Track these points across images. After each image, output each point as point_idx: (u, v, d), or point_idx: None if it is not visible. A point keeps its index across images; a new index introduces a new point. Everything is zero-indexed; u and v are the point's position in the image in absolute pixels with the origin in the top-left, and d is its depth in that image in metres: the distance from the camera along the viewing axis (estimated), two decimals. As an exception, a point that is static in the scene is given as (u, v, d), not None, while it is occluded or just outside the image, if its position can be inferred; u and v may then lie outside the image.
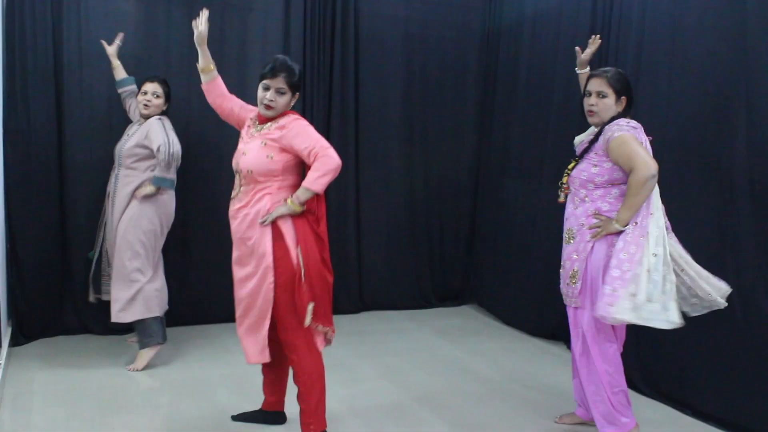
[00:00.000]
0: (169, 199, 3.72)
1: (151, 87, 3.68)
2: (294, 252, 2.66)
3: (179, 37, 4.23)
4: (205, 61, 2.95)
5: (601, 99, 2.84)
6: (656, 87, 3.56)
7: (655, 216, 2.71)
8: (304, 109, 4.65)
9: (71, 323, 4.19)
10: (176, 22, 4.27)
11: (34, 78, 3.96)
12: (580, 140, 3.06)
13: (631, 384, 3.29)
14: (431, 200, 5.23)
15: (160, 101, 3.71)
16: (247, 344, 2.78)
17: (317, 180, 2.64)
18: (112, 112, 4.10)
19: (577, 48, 3.22)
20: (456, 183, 5.29)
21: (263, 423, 3.05)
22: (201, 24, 2.88)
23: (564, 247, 2.95)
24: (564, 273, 2.95)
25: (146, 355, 3.68)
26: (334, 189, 4.70)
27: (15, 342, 3.97)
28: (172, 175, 3.63)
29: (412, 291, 5.23)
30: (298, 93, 2.85)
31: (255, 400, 3.10)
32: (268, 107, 2.75)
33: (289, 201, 2.67)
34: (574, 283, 2.87)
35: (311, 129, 2.77)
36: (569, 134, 3.34)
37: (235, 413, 3.10)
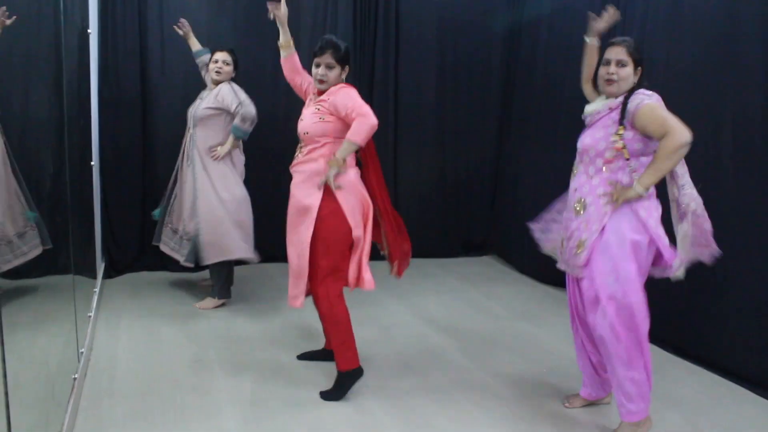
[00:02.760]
0: (240, 155, 4.22)
1: (221, 56, 4.05)
2: (335, 213, 2.98)
3: (244, 18, 4.90)
4: (285, 38, 3.17)
5: (621, 68, 2.71)
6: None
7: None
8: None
9: (151, 261, 4.97)
10: (242, 4, 4.92)
11: (123, 56, 4.68)
12: (595, 109, 2.82)
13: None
14: (459, 165, 5.82)
15: (230, 68, 4.07)
16: (289, 288, 3.12)
17: (355, 135, 2.90)
18: (187, 83, 4.77)
19: (591, 14, 3.00)
20: (481, 150, 5.87)
21: (324, 360, 3.43)
22: (282, 5, 3.10)
23: (572, 217, 2.80)
24: (571, 243, 2.79)
25: (212, 303, 4.28)
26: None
27: (107, 275, 4.78)
28: (247, 128, 4.05)
29: (441, 242, 5.85)
30: (347, 66, 3.09)
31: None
32: (321, 81, 3.03)
33: (331, 160, 2.95)
34: (580, 252, 2.73)
35: (355, 94, 2.99)
36: (582, 105, 3.36)
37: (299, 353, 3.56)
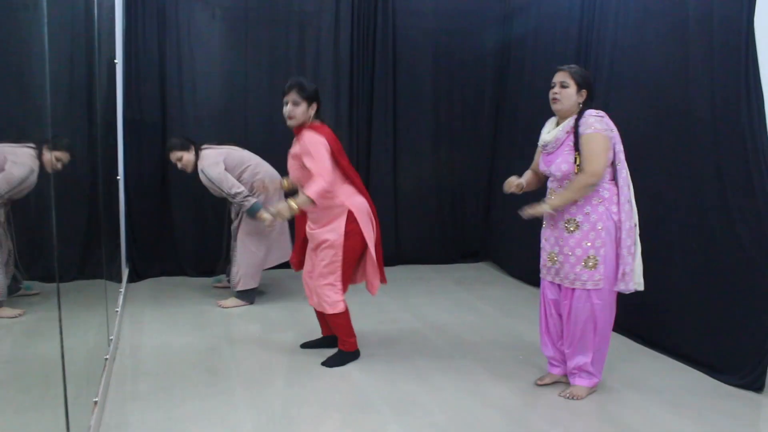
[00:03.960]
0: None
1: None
2: (334, 239, 3.48)
3: (255, 49, 5.40)
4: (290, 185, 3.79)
5: (563, 89, 3.11)
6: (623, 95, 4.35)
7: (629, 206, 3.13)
8: (351, 102, 5.76)
9: (171, 267, 5.47)
10: (253, 34, 5.44)
11: (145, 82, 5.20)
12: (554, 137, 3.16)
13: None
14: (455, 176, 6.26)
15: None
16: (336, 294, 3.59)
17: (312, 192, 3.29)
18: (200, 106, 5.32)
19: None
20: (475, 162, 6.29)
21: (325, 347, 3.83)
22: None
23: (564, 236, 3.15)
24: (574, 259, 3.12)
25: (235, 302, 4.74)
26: (375, 167, 5.88)
27: (131, 279, 5.27)
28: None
29: (438, 249, 6.29)
30: (315, 103, 3.40)
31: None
32: (289, 117, 3.39)
33: (290, 208, 3.31)
34: (594, 267, 3.08)
35: (316, 146, 3.32)
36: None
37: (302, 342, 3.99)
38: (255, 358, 3.78)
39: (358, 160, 5.89)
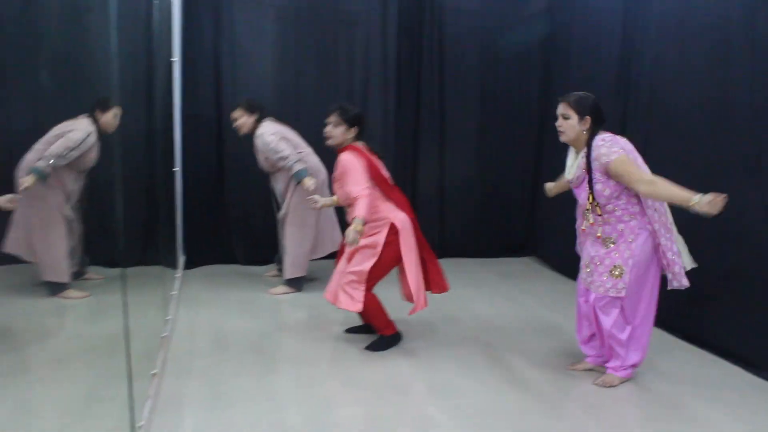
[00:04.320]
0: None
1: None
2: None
3: (306, 47, 5.62)
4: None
5: (564, 120, 3.23)
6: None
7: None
8: (398, 99, 5.91)
9: (224, 256, 5.72)
10: (304, 33, 5.65)
11: (201, 79, 5.45)
12: (575, 176, 3.32)
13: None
14: (501, 171, 6.32)
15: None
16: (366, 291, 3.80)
17: (359, 213, 3.50)
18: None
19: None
20: (521, 157, 6.33)
21: (367, 333, 4.06)
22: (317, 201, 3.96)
23: (598, 248, 3.28)
24: (602, 268, 3.24)
25: (284, 289, 4.97)
26: (422, 163, 6.04)
27: (186, 266, 5.54)
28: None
29: (484, 243, 6.37)
30: (355, 126, 3.73)
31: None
32: (327, 137, 3.77)
33: (354, 236, 3.48)
34: (620, 276, 3.20)
35: (352, 171, 3.62)
36: (611, 120, 4.01)
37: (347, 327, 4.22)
38: (301, 341, 3.98)
39: (405, 156, 6.03)
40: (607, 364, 3.47)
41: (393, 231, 3.69)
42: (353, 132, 3.75)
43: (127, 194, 2.72)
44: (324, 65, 5.65)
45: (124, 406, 2.47)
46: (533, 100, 6.27)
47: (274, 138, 4.66)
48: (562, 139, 3.31)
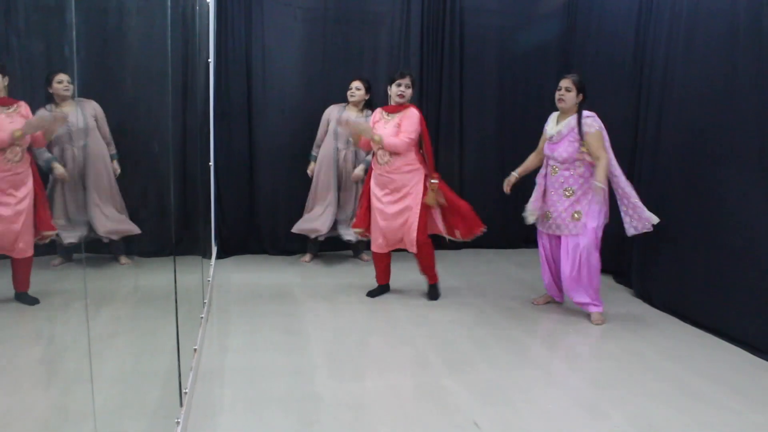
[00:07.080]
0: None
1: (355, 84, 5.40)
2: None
3: (332, 48, 5.90)
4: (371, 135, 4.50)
5: (567, 92, 4.17)
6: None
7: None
8: (420, 98, 6.17)
9: (254, 246, 6.03)
10: (330, 34, 5.93)
11: (234, 78, 5.75)
12: (558, 131, 4.24)
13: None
14: (517, 165, 6.51)
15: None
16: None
17: (388, 141, 4.34)
18: (283, 98, 5.83)
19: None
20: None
21: (383, 294, 4.77)
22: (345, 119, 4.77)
23: (561, 199, 4.26)
24: (565, 214, 4.25)
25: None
26: (442, 158, 6.28)
27: (219, 256, 5.86)
28: None
29: (502, 235, 6.60)
30: (412, 90, 4.46)
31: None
32: (401, 96, 4.37)
33: (370, 131, 4.42)
34: (578, 219, 4.20)
35: (415, 120, 4.38)
36: (624, 115, 4.92)
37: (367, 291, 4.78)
38: (329, 318, 4.30)
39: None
40: (587, 307, 4.33)
41: (426, 179, 4.55)
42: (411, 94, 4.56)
43: (175, 187, 2.98)
44: (349, 64, 5.92)
45: (174, 377, 2.79)
46: (548, 96, 6.43)
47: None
48: (560, 105, 4.22)
